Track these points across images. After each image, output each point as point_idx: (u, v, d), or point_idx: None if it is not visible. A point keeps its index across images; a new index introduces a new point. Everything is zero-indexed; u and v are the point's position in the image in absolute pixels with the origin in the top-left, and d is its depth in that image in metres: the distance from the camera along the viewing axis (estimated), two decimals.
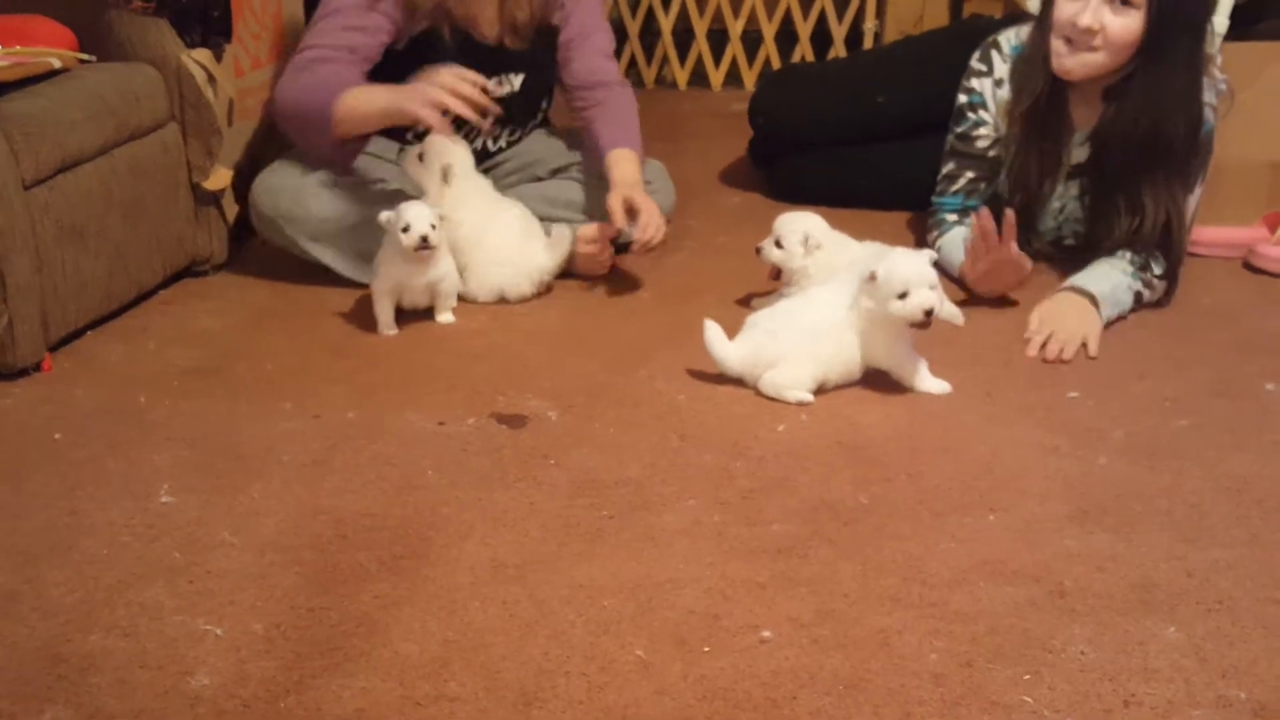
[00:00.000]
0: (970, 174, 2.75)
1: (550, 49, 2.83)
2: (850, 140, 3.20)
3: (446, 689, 1.50)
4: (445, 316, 2.57)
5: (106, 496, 1.93)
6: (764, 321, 2.26)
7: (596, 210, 2.72)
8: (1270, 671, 1.51)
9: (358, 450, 2.07)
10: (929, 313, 2.15)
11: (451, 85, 2.46)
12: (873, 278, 2.15)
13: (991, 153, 2.73)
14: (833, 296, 2.24)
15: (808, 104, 3.28)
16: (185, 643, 1.58)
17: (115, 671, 1.53)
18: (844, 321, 2.21)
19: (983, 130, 2.72)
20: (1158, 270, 2.55)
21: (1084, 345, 2.39)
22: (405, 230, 2.42)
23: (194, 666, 1.54)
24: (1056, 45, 2.52)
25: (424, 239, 2.42)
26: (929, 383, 2.24)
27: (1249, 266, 2.83)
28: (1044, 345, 2.38)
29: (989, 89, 2.70)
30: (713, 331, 2.25)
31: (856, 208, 3.03)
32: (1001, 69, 2.69)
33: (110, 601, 1.67)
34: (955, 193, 2.76)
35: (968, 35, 2.84)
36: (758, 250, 2.51)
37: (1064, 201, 2.72)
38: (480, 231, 2.63)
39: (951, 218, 2.74)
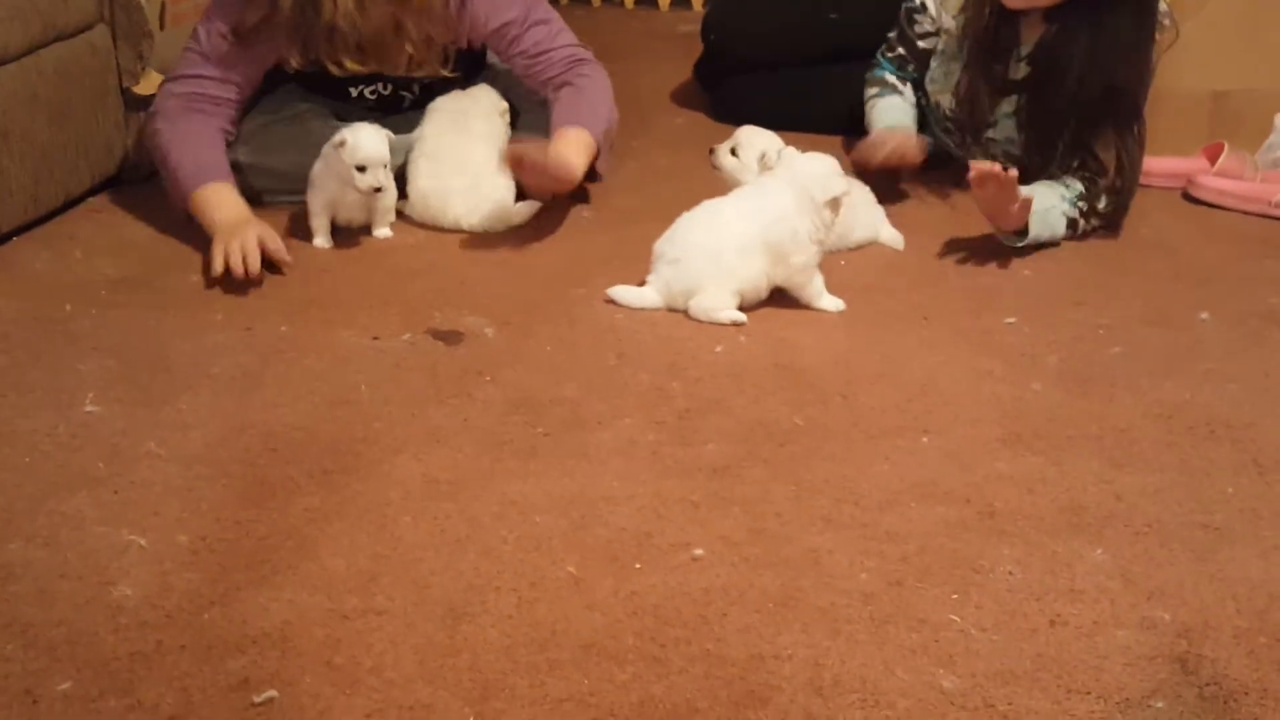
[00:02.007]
0: (901, 51, 2.84)
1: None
2: (800, 60, 3.18)
3: (374, 603, 1.49)
4: (383, 231, 2.53)
5: (29, 405, 1.89)
6: (667, 251, 2.23)
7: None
8: (1194, 594, 1.53)
9: (289, 364, 2.03)
10: None
11: (244, 257, 2.27)
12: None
13: (923, 44, 2.79)
14: (734, 214, 2.21)
15: (760, 19, 3.27)
16: (107, 553, 1.56)
17: (35, 581, 1.51)
18: (751, 240, 2.18)
19: (920, 18, 2.78)
20: (1102, 207, 2.55)
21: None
22: (360, 170, 2.36)
23: (116, 577, 1.52)
24: None
25: (378, 188, 2.39)
26: (828, 300, 2.26)
27: (1188, 197, 2.83)
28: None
29: None
30: (619, 292, 2.24)
31: (800, 131, 2.99)
32: None
33: (31, 511, 1.64)
34: (890, 60, 2.85)
35: None
36: (711, 151, 2.48)
37: (998, 118, 2.72)
38: (440, 155, 2.57)
39: (890, 79, 2.84)
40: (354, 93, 2.69)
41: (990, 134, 2.74)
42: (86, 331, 2.12)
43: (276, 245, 2.32)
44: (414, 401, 1.93)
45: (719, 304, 2.18)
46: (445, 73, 2.65)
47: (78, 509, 1.65)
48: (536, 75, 2.66)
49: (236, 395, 1.94)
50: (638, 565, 1.56)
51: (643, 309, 2.22)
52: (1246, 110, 2.92)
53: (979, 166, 2.34)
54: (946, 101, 2.76)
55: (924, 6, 2.76)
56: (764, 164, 2.39)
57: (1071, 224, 2.53)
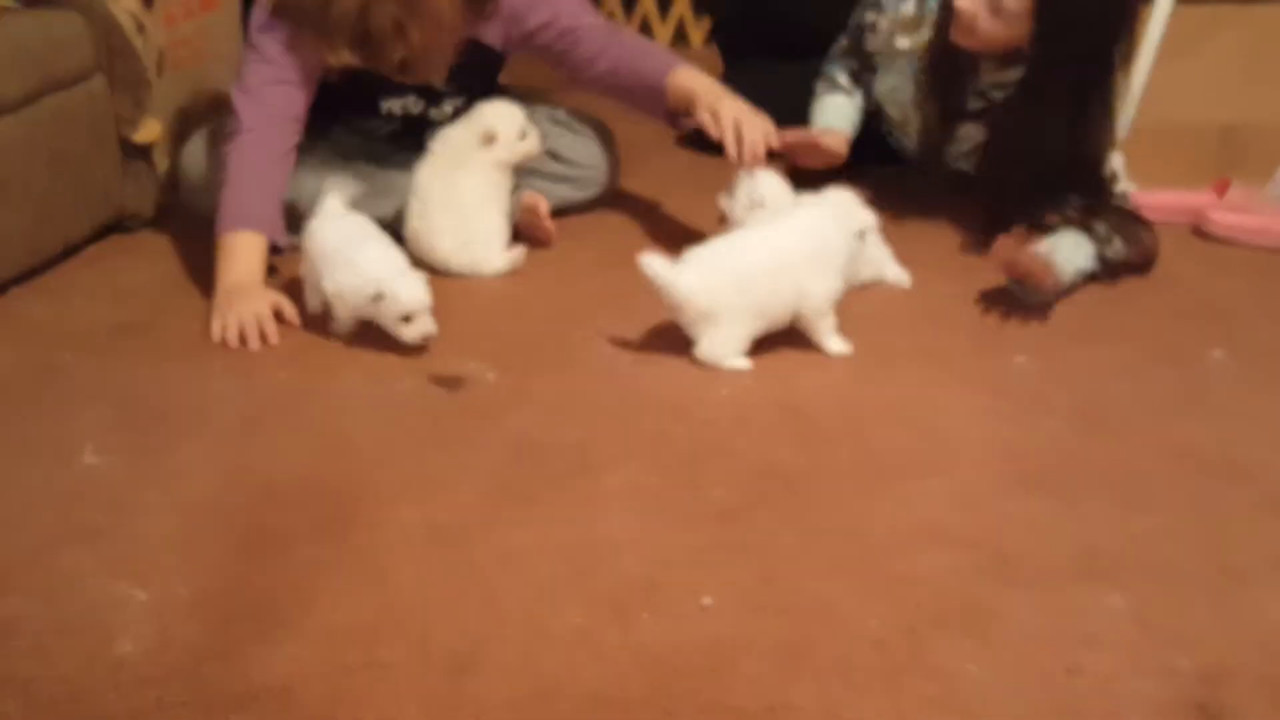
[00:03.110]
0: (854, 63, 2.86)
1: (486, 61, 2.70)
2: (808, 46, 3.16)
3: (377, 656, 1.46)
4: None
5: (28, 457, 1.87)
6: (694, 264, 2.15)
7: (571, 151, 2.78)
8: (1214, 639, 1.50)
9: (289, 412, 2.01)
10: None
11: (246, 329, 2.24)
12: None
13: (869, 49, 2.82)
14: (760, 239, 2.19)
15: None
16: (108, 607, 1.53)
17: (34, 636, 1.49)
18: (781, 267, 2.14)
19: (870, 37, 2.80)
20: (1113, 254, 2.52)
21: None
22: (406, 320, 2.16)
23: (116, 632, 1.49)
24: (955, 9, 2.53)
25: (428, 334, 2.18)
26: (836, 342, 2.23)
27: (1198, 232, 2.82)
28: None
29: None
30: (650, 264, 2.13)
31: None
32: None
33: (29, 565, 1.61)
34: (841, 64, 2.89)
35: None
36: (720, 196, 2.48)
37: (957, 138, 2.73)
38: (430, 196, 2.54)
39: (841, 79, 2.88)
40: (384, 109, 2.67)
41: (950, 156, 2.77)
42: (85, 381, 2.10)
43: (280, 319, 2.29)
44: (415, 448, 1.91)
45: (727, 351, 2.15)
46: (439, 86, 2.63)
47: (77, 562, 1.62)
48: (575, 51, 2.63)
49: (236, 444, 1.92)
50: (645, 615, 1.54)
51: (669, 292, 2.13)
52: (1253, 144, 2.91)
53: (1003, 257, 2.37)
54: (895, 112, 2.80)
55: (875, 27, 2.77)
56: (752, 202, 2.37)
57: (1108, 266, 2.51)
